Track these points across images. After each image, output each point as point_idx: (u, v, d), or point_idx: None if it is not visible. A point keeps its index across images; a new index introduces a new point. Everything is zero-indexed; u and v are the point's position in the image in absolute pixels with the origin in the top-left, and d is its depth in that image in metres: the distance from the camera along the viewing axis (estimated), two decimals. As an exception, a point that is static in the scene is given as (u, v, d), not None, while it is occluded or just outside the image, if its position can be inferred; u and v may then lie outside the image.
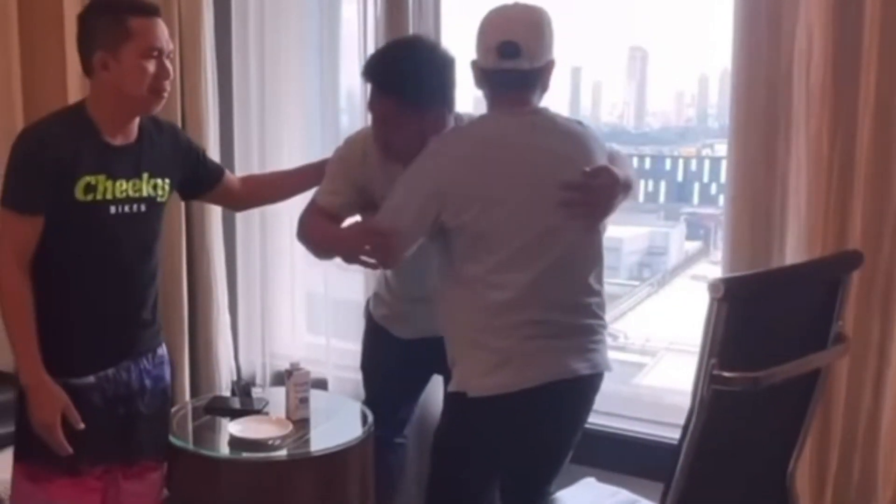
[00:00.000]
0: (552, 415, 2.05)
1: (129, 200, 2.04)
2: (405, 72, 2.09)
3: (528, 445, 2.11)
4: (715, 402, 1.55)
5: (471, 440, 2.10)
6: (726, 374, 1.52)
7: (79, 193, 1.97)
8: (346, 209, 2.26)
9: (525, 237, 1.98)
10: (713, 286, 1.51)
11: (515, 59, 1.97)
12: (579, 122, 2.16)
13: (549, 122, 2.07)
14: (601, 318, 2.09)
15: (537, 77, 2.03)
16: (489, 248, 1.98)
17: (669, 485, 1.61)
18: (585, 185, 2.01)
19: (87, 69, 2.01)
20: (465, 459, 2.12)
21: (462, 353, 2.07)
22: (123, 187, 2.03)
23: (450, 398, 2.15)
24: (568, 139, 2.07)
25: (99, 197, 2.00)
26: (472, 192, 1.98)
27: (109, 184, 2.00)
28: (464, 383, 2.05)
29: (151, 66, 1.97)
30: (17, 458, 2.10)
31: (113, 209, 2.02)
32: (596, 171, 2.02)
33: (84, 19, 2.02)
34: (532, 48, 1.98)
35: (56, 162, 1.94)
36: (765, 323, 1.62)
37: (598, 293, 2.09)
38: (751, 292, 1.59)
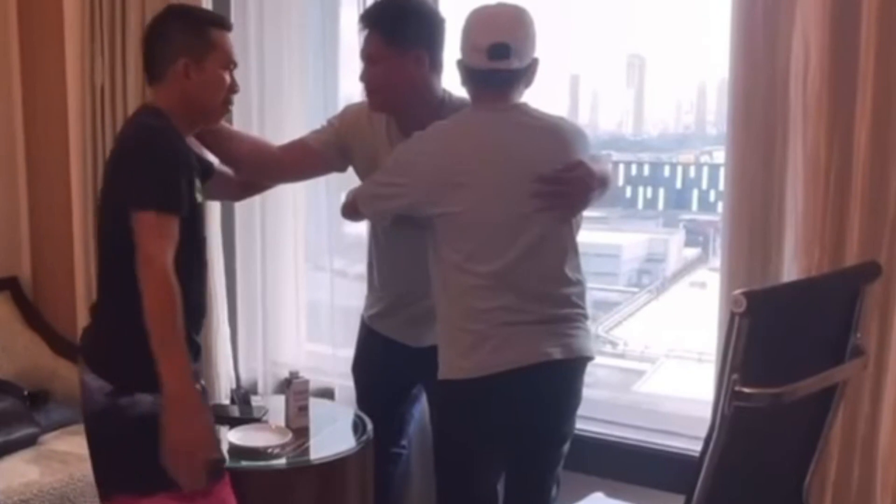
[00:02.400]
0: (532, 399, 2.06)
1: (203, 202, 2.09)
2: (389, 9, 2.24)
3: (514, 431, 2.11)
4: (736, 417, 1.53)
5: (460, 426, 2.12)
6: (748, 390, 1.50)
7: (196, 193, 1.98)
8: (317, 142, 2.37)
9: (496, 228, 2.03)
10: (735, 300, 1.47)
11: (506, 60, 2.01)
12: (562, 118, 2.20)
13: (529, 118, 2.10)
14: (581, 307, 2.12)
15: (523, 75, 2.08)
16: (464, 238, 2.04)
17: (690, 500, 1.59)
18: (559, 178, 2.05)
19: (160, 75, 2.01)
20: (463, 449, 2.14)
21: (443, 336, 2.11)
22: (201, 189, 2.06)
23: (437, 389, 2.18)
24: (547, 134, 2.11)
25: (202, 198, 2.03)
26: (448, 186, 2.03)
27: (200, 186, 2.04)
28: (445, 369, 2.09)
29: (228, 78, 2.04)
30: (155, 490, 1.88)
31: (205, 210, 2.08)
32: (570, 164, 2.07)
33: (163, 27, 2.03)
34: (521, 48, 2.03)
35: (187, 162, 1.96)
36: (784, 336, 1.60)
37: (577, 283, 2.11)
38: (773, 306, 1.55)
